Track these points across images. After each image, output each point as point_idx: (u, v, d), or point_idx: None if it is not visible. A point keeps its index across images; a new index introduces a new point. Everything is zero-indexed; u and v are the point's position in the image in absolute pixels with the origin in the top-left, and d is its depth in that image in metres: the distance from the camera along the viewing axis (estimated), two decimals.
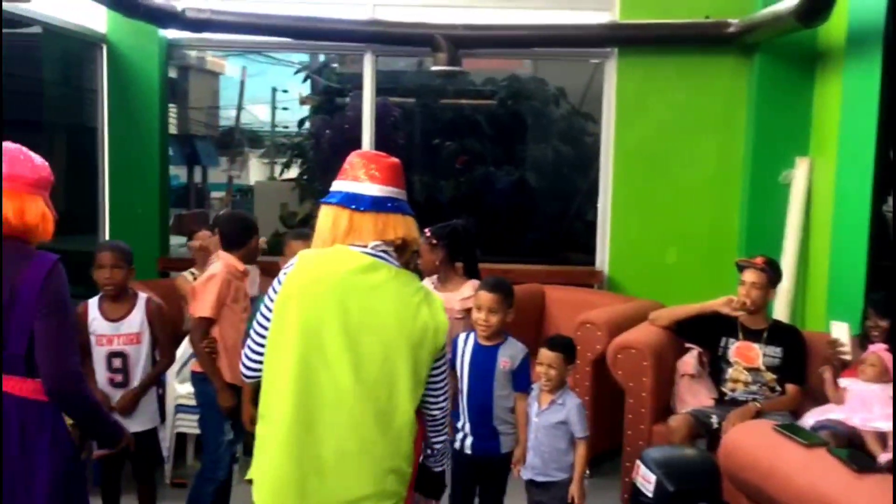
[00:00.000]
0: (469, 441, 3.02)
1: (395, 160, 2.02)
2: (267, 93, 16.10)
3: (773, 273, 3.67)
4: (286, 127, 11.36)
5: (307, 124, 8.44)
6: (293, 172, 8.48)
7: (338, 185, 1.99)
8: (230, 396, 3.09)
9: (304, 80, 8.43)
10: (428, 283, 3.50)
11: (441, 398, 2.03)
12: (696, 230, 5.06)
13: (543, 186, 7.68)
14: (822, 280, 4.42)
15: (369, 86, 5.35)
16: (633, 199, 5.13)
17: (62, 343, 2.06)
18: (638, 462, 2.41)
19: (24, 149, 2.10)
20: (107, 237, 5.17)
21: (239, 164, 15.81)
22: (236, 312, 3.12)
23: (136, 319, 3.11)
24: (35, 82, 5.94)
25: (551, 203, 7.56)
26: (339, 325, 1.85)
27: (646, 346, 3.66)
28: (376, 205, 1.94)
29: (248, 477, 1.91)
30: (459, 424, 3.04)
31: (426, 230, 3.49)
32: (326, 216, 1.98)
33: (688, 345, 3.85)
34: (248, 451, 2.25)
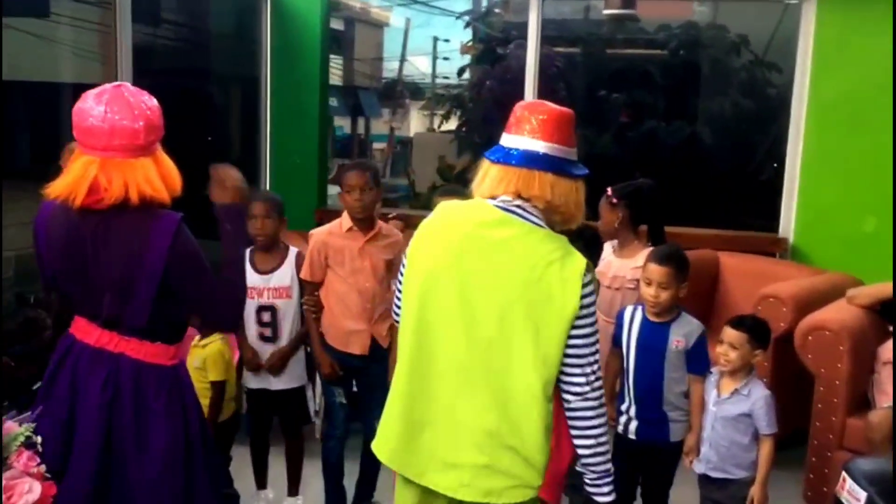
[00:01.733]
0: (634, 425, 2.73)
1: (561, 111, 1.83)
2: (430, 44, 16.04)
3: None
4: (446, 78, 11.21)
5: (466, 74, 8.22)
6: (452, 124, 8.31)
7: (502, 140, 1.85)
8: (325, 361, 2.97)
9: (466, 26, 8.17)
10: (608, 247, 3.19)
11: (577, 379, 1.75)
12: None
13: (719, 143, 7.09)
14: None
15: (534, 33, 5.02)
16: (828, 158, 4.55)
17: (212, 297, 2.02)
18: (844, 474, 2.03)
19: (130, 96, 1.93)
20: (267, 187, 5.18)
21: (400, 116, 15.94)
22: (339, 275, 2.93)
23: (287, 273, 3.01)
24: (204, 34, 6.03)
25: (727, 161, 6.98)
26: (455, 280, 1.79)
27: (842, 327, 3.21)
28: (525, 159, 1.79)
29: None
30: (624, 407, 2.76)
31: (607, 189, 3.17)
32: (480, 170, 1.88)
33: (892, 328, 3.35)
34: None
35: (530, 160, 1.78)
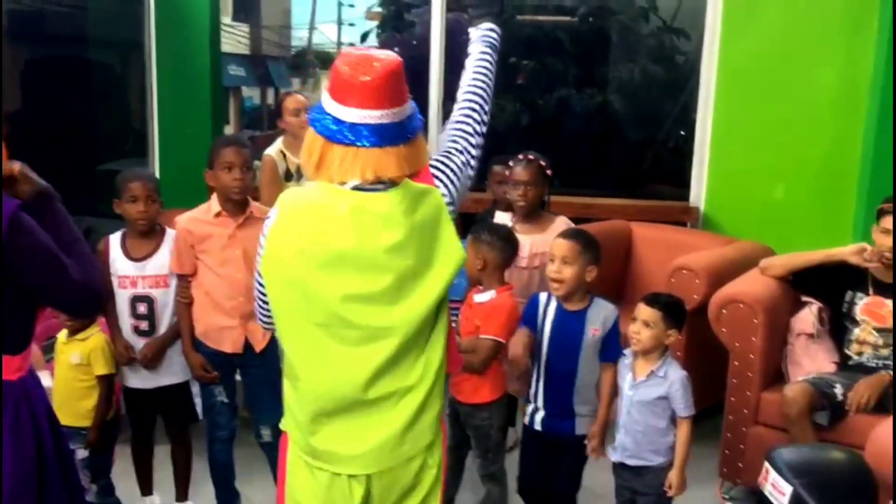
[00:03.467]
0: (540, 416, 2.60)
1: (390, 65, 1.58)
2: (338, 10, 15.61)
3: None
4: (352, 44, 10.83)
5: (371, 41, 7.91)
6: None
7: (330, 107, 1.60)
8: (195, 362, 2.74)
9: None
10: (504, 221, 3.00)
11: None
12: (811, 160, 4.36)
13: (629, 111, 6.99)
14: None
15: None
16: (738, 124, 4.47)
17: (65, 282, 1.76)
18: (767, 465, 1.90)
19: None
20: (156, 161, 4.81)
21: (311, 86, 15.50)
22: (207, 266, 2.69)
23: (163, 259, 2.72)
24: None
25: (637, 129, 6.89)
26: None
27: (756, 300, 3.11)
28: (375, 137, 1.58)
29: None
30: (531, 395, 2.62)
31: (538, 159, 2.99)
32: (313, 144, 1.64)
33: (805, 299, 3.28)
34: None
35: (380, 137, 1.58)
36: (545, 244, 2.86)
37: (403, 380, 1.64)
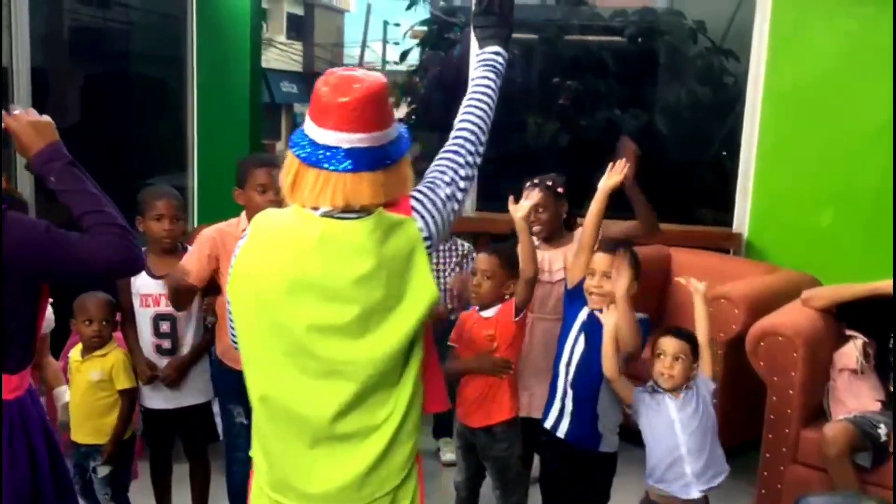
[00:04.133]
0: (565, 424, 2.55)
1: (372, 86, 1.50)
2: (389, 29, 15.74)
3: None
4: (396, 63, 10.89)
5: (409, 58, 7.94)
6: (403, 111, 8.01)
7: (309, 129, 1.54)
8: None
9: (408, 7, 7.85)
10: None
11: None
12: (860, 189, 4.21)
13: (674, 133, 6.86)
14: None
15: None
16: (784, 149, 4.34)
17: (90, 252, 1.70)
18: None
19: None
20: (195, 177, 4.85)
21: None
22: None
23: None
24: (124, 13, 5.62)
25: (683, 152, 6.76)
26: None
27: (796, 332, 2.98)
28: (350, 161, 1.50)
29: None
30: (559, 396, 2.58)
31: (545, 180, 2.92)
32: (290, 166, 1.58)
33: (849, 332, 3.14)
34: None
35: (356, 161, 1.50)
36: (563, 257, 2.85)
37: (371, 418, 1.56)
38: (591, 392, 2.50)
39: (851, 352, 3.06)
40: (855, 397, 3.00)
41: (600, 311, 2.48)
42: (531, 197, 2.78)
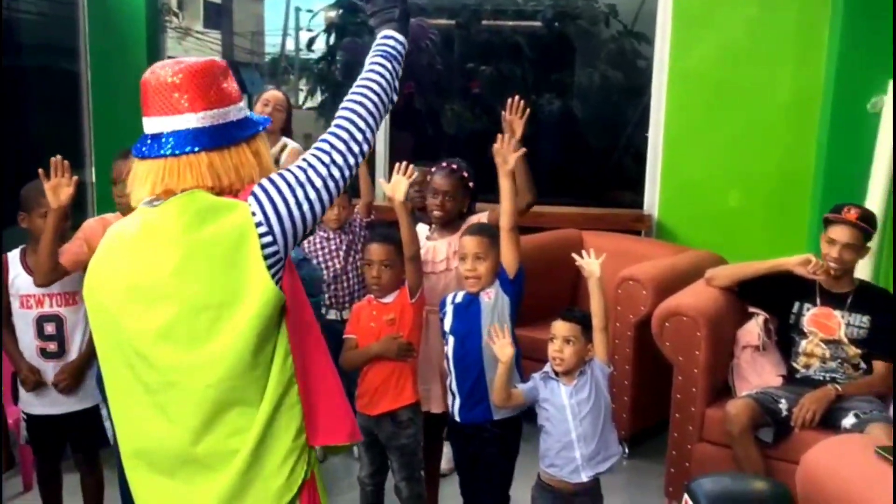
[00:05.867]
0: (458, 404, 2.53)
1: (196, 65, 1.44)
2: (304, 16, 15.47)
3: (869, 230, 2.96)
4: (311, 51, 10.70)
5: (319, 45, 7.79)
6: (318, 99, 7.87)
7: (144, 125, 1.48)
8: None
9: None
10: (422, 230, 2.89)
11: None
12: (764, 169, 4.30)
13: (590, 116, 6.91)
14: None
15: None
16: (690, 131, 4.39)
17: None
18: (686, 497, 1.80)
19: None
20: (94, 174, 4.64)
21: (286, 91, 15.38)
22: None
23: (74, 274, 2.54)
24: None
25: (598, 136, 6.81)
26: None
27: (700, 312, 3.01)
28: (173, 144, 1.41)
29: None
30: (448, 383, 2.57)
31: (460, 170, 2.83)
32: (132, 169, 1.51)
33: (751, 310, 3.19)
34: None
35: (176, 144, 1.40)
36: (447, 246, 2.79)
37: (223, 444, 1.41)
38: (472, 365, 2.49)
39: (753, 329, 3.11)
40: (757, 373, 3.05)
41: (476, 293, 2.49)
42: (437, 182, 2.74)
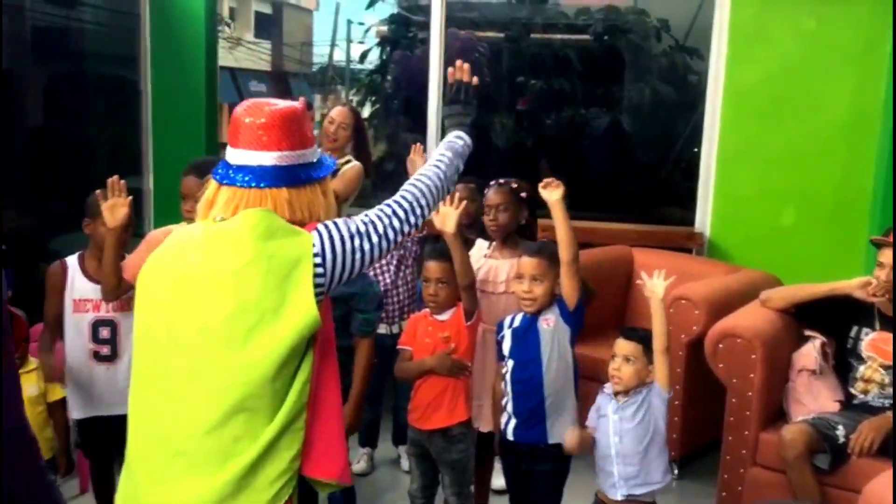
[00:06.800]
0: (512, 425, 2.50)
1: (284, 111, 1.60)
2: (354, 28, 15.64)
3: None
4: (359, 63, 10.80)
5: (371, 58, 7.86)
6: (367, 111, 7.92)
7: (227, 154, 1.65)
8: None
9: (368, 7, 7.76)
10: (481, 249, 2.87)
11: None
12: (821, 188, 4.20)
13: (639, 131, 6.86)
14: None
15: (438, 14, 4.67)
16: (745, 148, 4.32)
17: None
18: None
19: None
20: (151, 181, 4.73)
21: (331, 103, 15.54)
22: None
23: None
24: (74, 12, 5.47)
25: (648, 150, 6.75)
26: None
27: (755, 334, 2.95)
28: (253, 177, 1.57)
29: None
30: (504, 403, 2.54)
31: (509, 182, 2.84)
32: (208, 191, 1.66)
33: (808, 333, 3.11)
34: None
35: (259, 177, 1.56)
36: (509, 267, 2.75)
37: (230, 444, 1.48)
38: (533, 391, 2.47)
39: (810, 352, 3.04)
40: (814, 398, 2.97)
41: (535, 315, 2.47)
42: (489, 198, 2.73)
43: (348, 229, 1.58)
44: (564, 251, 2.37)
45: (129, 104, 4.78)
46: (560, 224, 2.39)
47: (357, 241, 1.58)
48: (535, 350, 2.44)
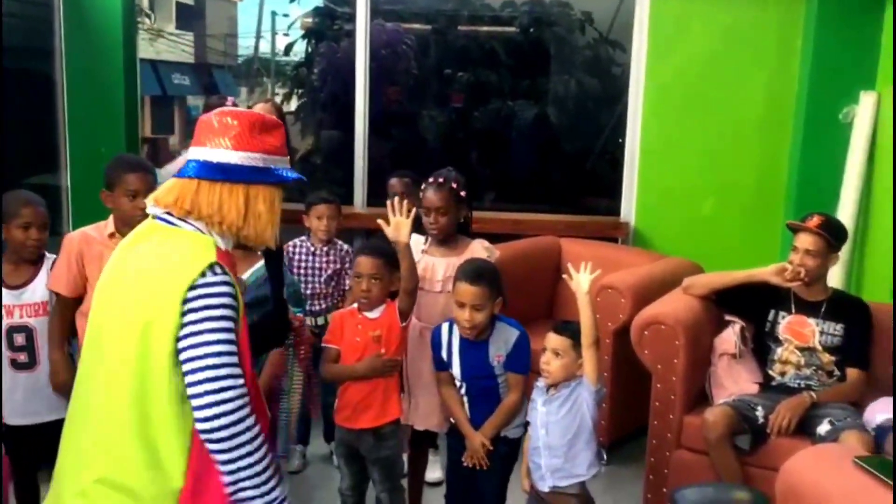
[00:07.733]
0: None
1: (233, 111, 1.69)
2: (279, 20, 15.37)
3: (832, 237, 3.00)
4: (287, 55, 10.65)
5: (296, 49, 7.76)
6: (294, 104, 7.82)
7: None
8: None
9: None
10: (418, 244, 2.85)
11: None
12: (739, 178, 4.36)
13: (565, 123, 6.94)
14: (888, 239, 3.74)
15: (363, 5, 4.65)
16: (666, 140, 4.43)
17: None
18: None
19: None
20: (69, 178, 4.58)
21: (258, 95, 15.22)
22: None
23: (41, 285, 2.55)
24: None
25: (574, 142, 6.84)
26: None
27: (678, 321, 3.03)
28: (194, 170, 1.66)
29: None
30: None
31: (449, 180, 2.74)
32: None
33: (728, 317, 3.21)
34: None
35: (191, 169, 1.65)
36: (446, 265, 2.73)
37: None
38: (492, 403, 2.54)
39: (730, 336, 3.13)
40: (734, 381, 3.07)
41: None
42: (428, 199, 2.71)
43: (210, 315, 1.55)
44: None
45: (44, 99, 4.61)
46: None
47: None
48: (485, 369, 2.53)
